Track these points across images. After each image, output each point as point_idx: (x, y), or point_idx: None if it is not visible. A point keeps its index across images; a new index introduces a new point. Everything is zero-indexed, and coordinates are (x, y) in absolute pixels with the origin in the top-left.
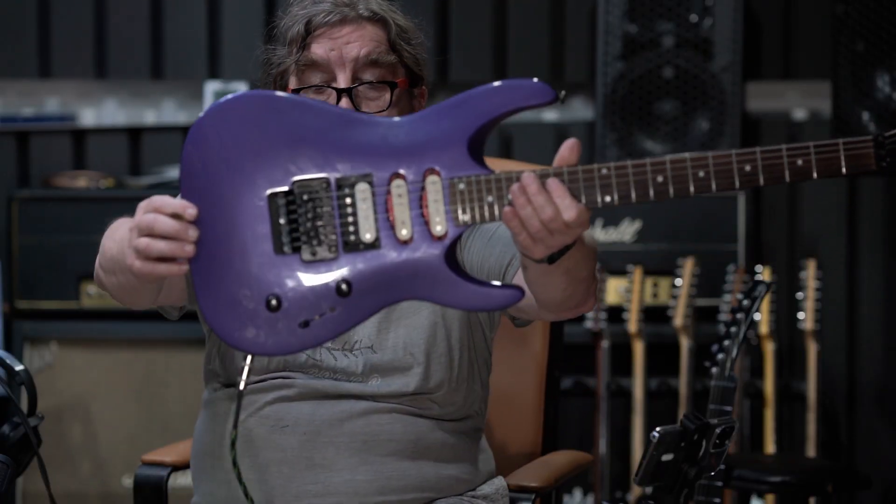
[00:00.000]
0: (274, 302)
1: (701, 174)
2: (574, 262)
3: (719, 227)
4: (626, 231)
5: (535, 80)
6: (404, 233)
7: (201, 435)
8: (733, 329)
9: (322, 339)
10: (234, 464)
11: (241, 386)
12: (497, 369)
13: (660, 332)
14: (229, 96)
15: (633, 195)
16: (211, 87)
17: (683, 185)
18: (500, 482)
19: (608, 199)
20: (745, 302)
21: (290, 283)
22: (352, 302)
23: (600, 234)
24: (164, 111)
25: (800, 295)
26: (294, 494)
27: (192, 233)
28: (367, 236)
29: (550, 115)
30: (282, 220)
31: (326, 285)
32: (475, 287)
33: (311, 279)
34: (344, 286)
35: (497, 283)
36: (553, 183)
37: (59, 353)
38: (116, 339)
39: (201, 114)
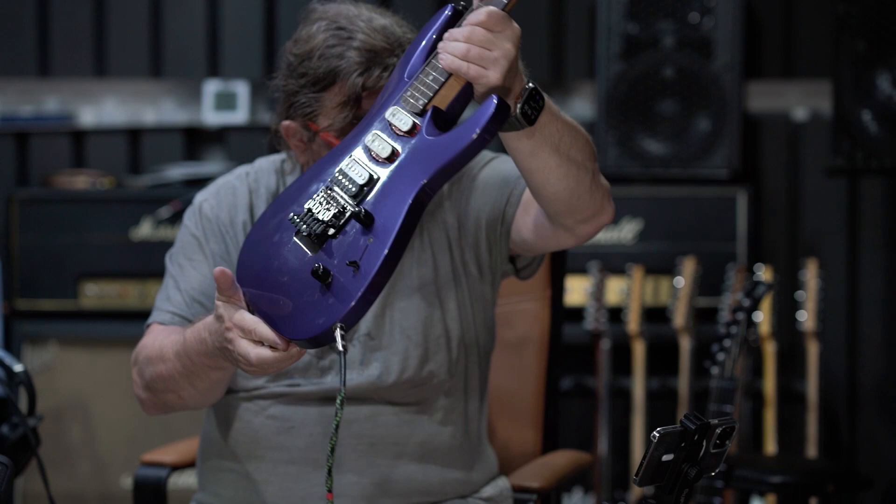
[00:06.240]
0: (321, 271)
1: None
2: (557, 134)
3: (719, 227)
4: (627, 231)
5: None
6: (386, 153)
7: (209, 436)
8: (734, 329)
9: (373, 267)
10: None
11: (340, 346)
12: (497, 370)
13: (660, 332)
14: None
15: None
16: (210, 86)
17: None
18: (503, 483)
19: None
20: (746, 302)
21: (328, 253)
22: (377, 227)
23: (601, 234)
24: (163, 110)
25: (800, 295)
26: (300, 496)
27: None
28: (360, 181)
29: None
30: (299, 234)
31: (353, 227)
32: (456, 130)
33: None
34: (364, 216)
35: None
36: (464, 16)
37: (58, 353)
38: (116, 338)
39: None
